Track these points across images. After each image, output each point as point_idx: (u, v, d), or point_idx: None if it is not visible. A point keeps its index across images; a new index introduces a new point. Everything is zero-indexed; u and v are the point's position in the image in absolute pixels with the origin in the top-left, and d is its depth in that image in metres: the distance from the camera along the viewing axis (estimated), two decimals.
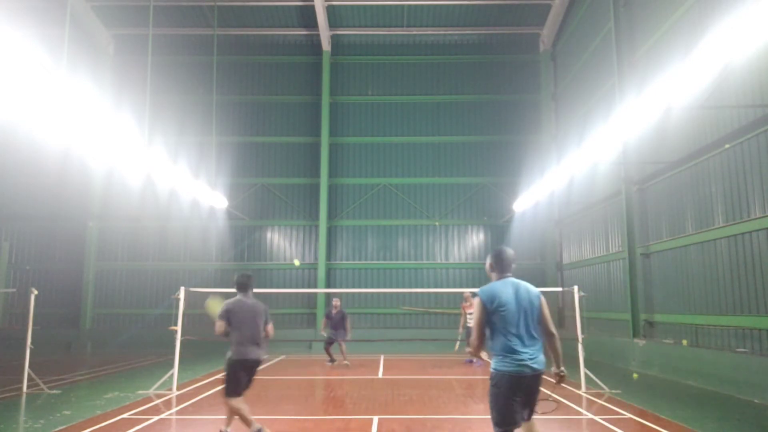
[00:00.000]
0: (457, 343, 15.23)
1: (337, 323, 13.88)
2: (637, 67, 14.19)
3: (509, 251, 4.31)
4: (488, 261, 4.37)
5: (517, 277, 4.34)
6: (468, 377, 11.95)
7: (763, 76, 9.40)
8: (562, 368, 4.25)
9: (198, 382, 11.15)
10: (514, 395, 3.96)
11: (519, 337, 3.99)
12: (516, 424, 3.99)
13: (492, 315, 4.04)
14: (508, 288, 4.15)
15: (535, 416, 4.15)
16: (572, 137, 18.67)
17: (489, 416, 4.06)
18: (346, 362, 13.71)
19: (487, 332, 4.10)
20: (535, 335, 4.08)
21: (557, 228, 20.49)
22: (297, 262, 15.12)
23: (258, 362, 6.19)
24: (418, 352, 17.41)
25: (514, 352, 3.96)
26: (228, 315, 6.09)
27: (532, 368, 3.95)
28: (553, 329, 4.22)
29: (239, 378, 6.07)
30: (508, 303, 4.05)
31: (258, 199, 20.91)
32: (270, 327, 6.39)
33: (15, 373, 10.82)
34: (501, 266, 4.27)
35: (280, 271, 20.55)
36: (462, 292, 14.87)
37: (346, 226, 20.73)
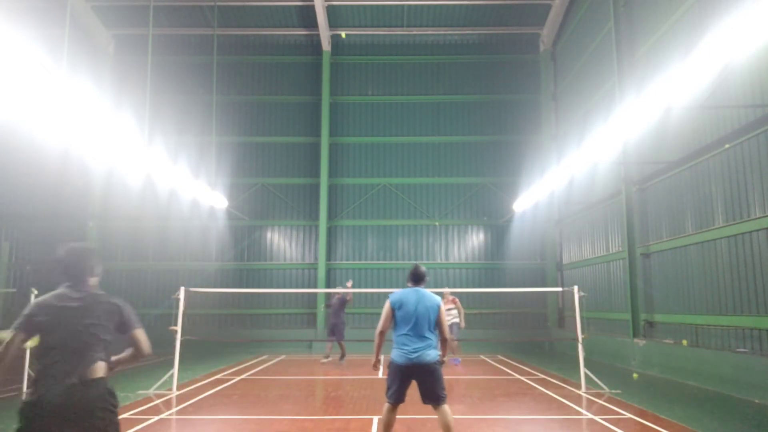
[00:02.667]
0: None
1: (337, 310, 13.98)
2: (637, 67, 14.19)
3: (421, 268, 5.47)
4: (407, 276, 5.54)
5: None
6: (468, 378, 11.95)
7: (763, 76, 9.40)
8: (443, 359, 5.42)
9: (198, 382, 11.14)
10: (404, 381, 5.15)
11: (411, 335, 5.13)
12: (399, 401, 5.22)
13: (395, 314, 5.22)
14: (412, 295, 5.27)
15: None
16: (572, 137, 18.68)
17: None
18: (323, 360, 14.11)
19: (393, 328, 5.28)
20: (426, 335, 5.15)
21: (557, 228, 20.49)
22: (343, 35, 15.17)
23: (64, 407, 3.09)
24: None
25: (404, 345, 5.12)
26: (30, 323, 3.23)
27: (417, 361, 5.05)
28: (447, 335, 5.40)
29: None
30: (408, 306, 5.18)
31: (258, 199, 20.91)
32: (138, 336, 3.48)
33: (15, 373, 10.81)
34: (413, 279, 5.44)
35: (280, 271, 20.55)
36: (465, 292, 14.82)
37: (346, 226, 20.74)
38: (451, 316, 13.89)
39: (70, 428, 3.08)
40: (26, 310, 3.29)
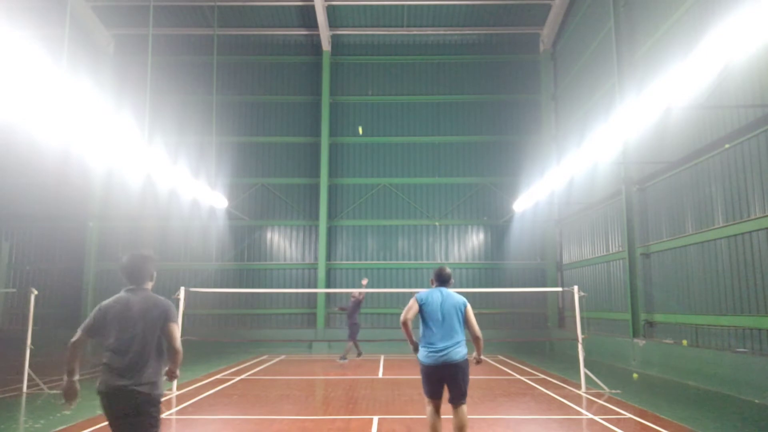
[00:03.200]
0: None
1: (351, 312, 14.20)
2: (637, 67, 14.19)
3: (447, 270, 5.52)
4: (431, 276, 5.60)
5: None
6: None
7: (763, 76, 9.40)
8: (480, 358, 5.46)
9: (198, 382, 11.14)
10: (435, 380, 5.14)
11: (438, 334, 5.14)
12: (439, 397, 5.21)
13: (421, 311, 5.25)
14: (436, 294, 5.33)
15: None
16: (572, 137, 18.68)
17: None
18: (340, 360, 14.22)
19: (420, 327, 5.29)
20: (454, 335, 5.15)
21: (557, 228, 20.49)
22: (360, 131, 15.69)
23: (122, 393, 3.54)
24: None
25: (432, 345, 5.12)
26: (93, 326, 3.69)
27: (446, 360, 5.05)
28: (478, 333, 5.36)
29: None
30: (432, 305, 5.23)
31: (258, 199, 20.91)
32: (170, 329, 3.73)
33: (15, 373, 10.82)
34: (438, 279, 5.49)
35: (280, 271, 20.55)
36: (464, 293, 14.60)
37: (346, 226, 20.74)
38: None
39: (122, 417, 3.59)
40: (91, 314, 3.73)
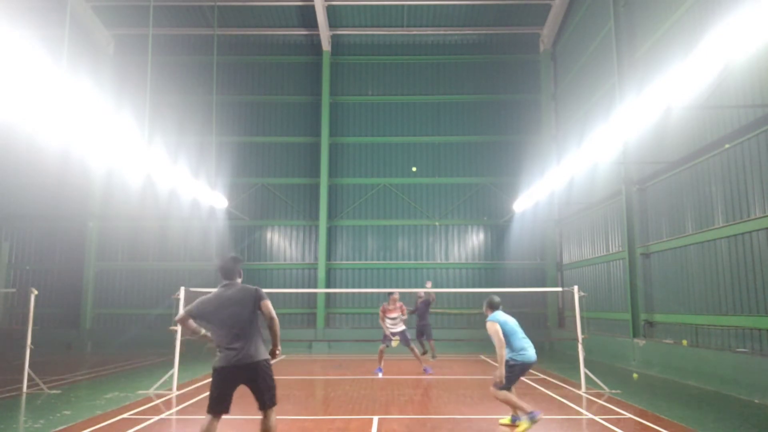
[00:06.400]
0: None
1: (423, 313, 13.88)
2: (637, 67, 14.20)
3: (497, 298, 7.12)
4: (485, 305, 7.17)
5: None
6: (468, 378, 11.96)
7: (763, 76, 9.40)
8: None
9: (198, 382, 11.14)
10: (521, 374, 6.84)
11: (525, 340, 6.85)
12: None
13: (504, 329, 6.75)
14: (504, 316, 6.99)
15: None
16: (572, 137, 18.68)
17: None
18: (432, 357, 14.02)
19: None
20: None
21: (557, 228, 20.49)
22: (429, 284, 15.61)
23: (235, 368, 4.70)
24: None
25: (528, 348, 6.75)
26: (194, 311, 4.82)
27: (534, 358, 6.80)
28: None
29: (213, 389, 4.85)
30: (510, 323, 6.91)
31: (258, 199, 20.91)
32: (264, 305, 4.75)
33: (15, 373, 10.82)
34: (494, 308, 7.06)
35: (280, 271, 20.55)
36: (465, 292, 13.80)
37: (346, 226, 20.73)
38: (401, 323, 12.22)
39: (243, 381, 4.69)
40: (195, 302, 4.79)
